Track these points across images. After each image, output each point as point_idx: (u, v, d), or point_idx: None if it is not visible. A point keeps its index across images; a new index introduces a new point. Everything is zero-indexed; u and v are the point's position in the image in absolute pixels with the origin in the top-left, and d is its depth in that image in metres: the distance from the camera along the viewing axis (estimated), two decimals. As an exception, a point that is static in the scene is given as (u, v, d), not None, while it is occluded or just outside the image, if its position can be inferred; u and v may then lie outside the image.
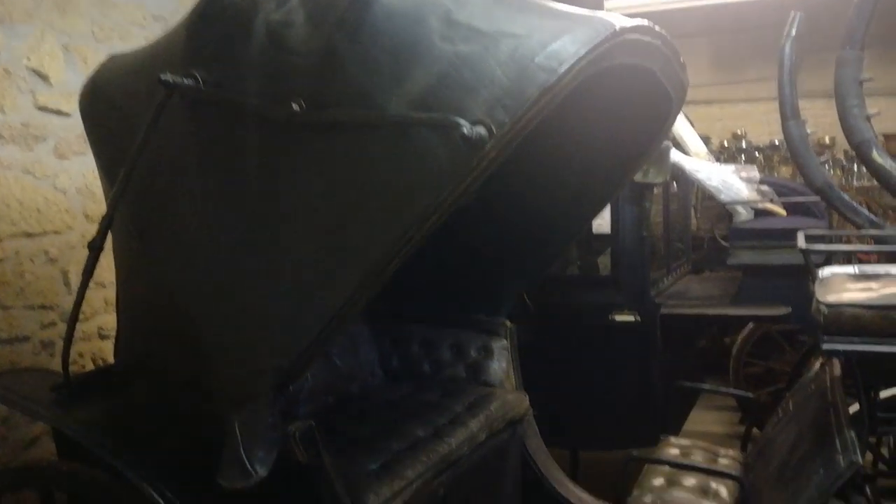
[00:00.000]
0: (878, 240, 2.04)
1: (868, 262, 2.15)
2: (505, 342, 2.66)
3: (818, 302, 1.47)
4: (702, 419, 3.86)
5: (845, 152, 6.34)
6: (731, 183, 3.12)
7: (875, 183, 6.19)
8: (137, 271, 1.93)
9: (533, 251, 2.78)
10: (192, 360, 1.69)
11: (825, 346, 1.43)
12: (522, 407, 2.52)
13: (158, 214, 1.77)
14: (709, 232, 4.25)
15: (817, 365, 2.08)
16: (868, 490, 1.69)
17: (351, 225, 1.48)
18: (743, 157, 6.69)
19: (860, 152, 1.56)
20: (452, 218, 2.70)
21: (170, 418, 1.79)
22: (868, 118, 1.57)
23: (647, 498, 1.83)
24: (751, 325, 4.11)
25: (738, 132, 7.06)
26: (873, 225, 2.05)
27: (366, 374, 2.61)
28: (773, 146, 6.77)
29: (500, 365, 2.60)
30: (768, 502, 1.60)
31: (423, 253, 2.71)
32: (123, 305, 2.05)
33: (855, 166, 6.36)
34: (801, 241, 1.62)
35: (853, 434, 1.44)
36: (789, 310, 2.74)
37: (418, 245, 1.44)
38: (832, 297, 1.50)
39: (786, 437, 1.93)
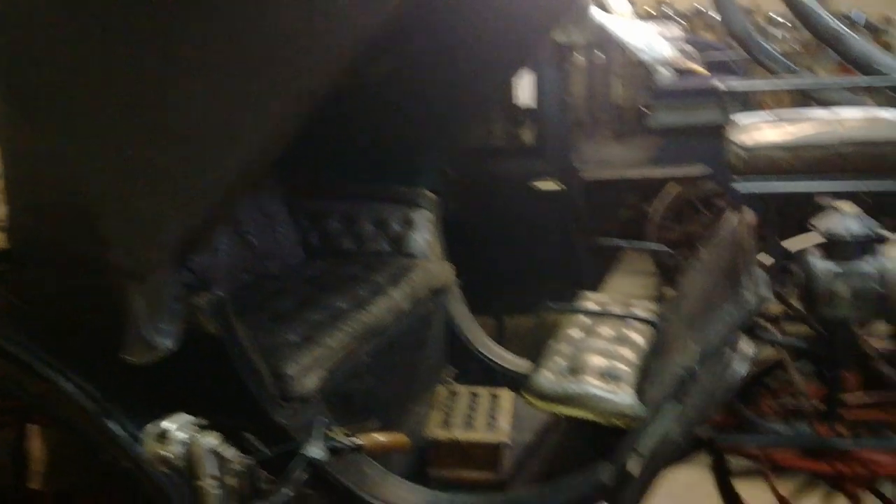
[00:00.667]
0: (794, 87, 2.04)
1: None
2: (428, 213, 2.62)
3: (732, 144, 1.45)
4: (622, 282, 3.98)
5: (769, 18, 6.34)
6: (654, 42, 3.06)
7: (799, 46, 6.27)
8: (24, 150, 1.75)
9: (451, 119, 2.70)
10: (90, 237, 1.57)
11: (739, 188, 1.42)
12: (446, 276, 2.51)
13: (38, 83, 1.59)
14: (632, 100, 4.22)
15: (731, 217, 2.11)
16: (776, 330, 1.74)
17: (253, 78, 1.35)
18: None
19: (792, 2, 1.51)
20: (369, 89, 2.58)
21: (71, 301, 1.68)
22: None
23: (564, 347, 1.87)
24: (669, 189, 4.18)
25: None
26: (789, 71, 2.04)
27: (284, 252, 2.53)
28: (697, 12, 6.69)
29: (423, 236, 2.56)
30: (679, 344, 1.65)
31: (340, 125, 2.62)
32: (13, 190, 1.88)
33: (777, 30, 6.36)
34: (718, 84, 1.59)
35: (762, 273, 1.45)
36: (709, 169, 2.77)
37: (325, 99, 1.32)
38: (747, 140, 1.48)
39: (698, 286, 1.97)
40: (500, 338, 3.20)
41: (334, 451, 1.48)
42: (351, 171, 2.69)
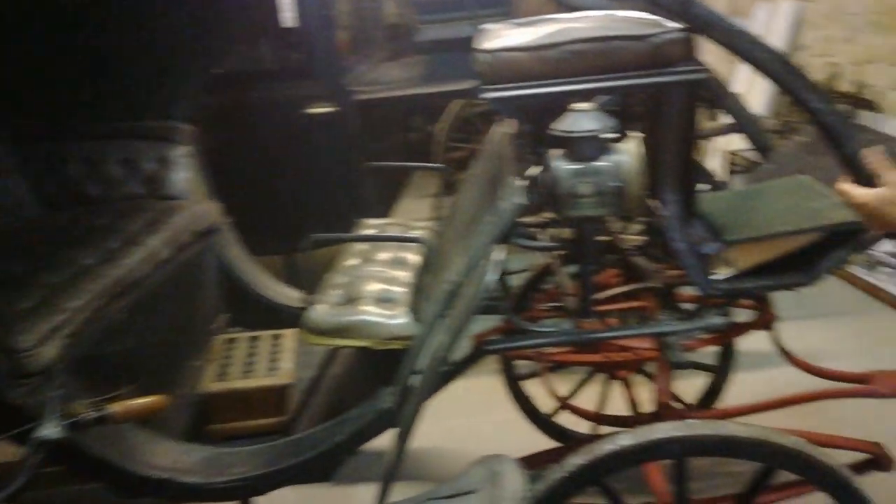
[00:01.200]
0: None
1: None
2: (185, 149, 2.38)
3: (476, 52, 1.40)
4: (412, 205, 3.96)
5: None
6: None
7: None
8: None
9: (204, 42, 2.44)
10: None
11: (485, 96, 1.38)
12: (213, 217, 2.32)
13: None
14: (402, 17, 4.12)
15: (496, 128, 2.11)
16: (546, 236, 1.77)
17: None
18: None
19: None
20: (101, 10, 2.23)
21: None
22: None
23: (340, 277, 1.79)
24: (452, 107, 4.19)
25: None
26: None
27: (14, 204, 2.18)
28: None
29: (182, 175, 2.33)
30: (448, 259, 1.63)
31: (72, 56, 2.26)
32: None
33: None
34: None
35: (518, 181, 1.45)
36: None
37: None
38: (489, 45, 1.43)
39: (468, 199, 1.96)
40: (293, 276, 3.08)
41: (76, 427, 1.30)
42: (93, 109, 2.37)
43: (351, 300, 1.71)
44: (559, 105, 1.47)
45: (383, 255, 1.92)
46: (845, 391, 1.54)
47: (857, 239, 1.47)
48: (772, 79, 1.38)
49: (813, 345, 2.98)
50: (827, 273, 1.51)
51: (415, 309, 1.62)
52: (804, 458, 1.30)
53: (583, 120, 1.30)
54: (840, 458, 1.35)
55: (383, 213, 3.38)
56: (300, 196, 2.89)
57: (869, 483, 1.46)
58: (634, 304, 1.93)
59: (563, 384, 2.45)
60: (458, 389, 1.79)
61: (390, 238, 1.93)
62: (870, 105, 3.84)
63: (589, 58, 1.37)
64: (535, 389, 2.28)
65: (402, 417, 1.48)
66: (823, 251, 1.54)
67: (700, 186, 2.49)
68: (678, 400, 2.35)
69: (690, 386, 2.42)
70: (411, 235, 1.89)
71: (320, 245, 1.64)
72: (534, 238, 1.88)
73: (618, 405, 2.21)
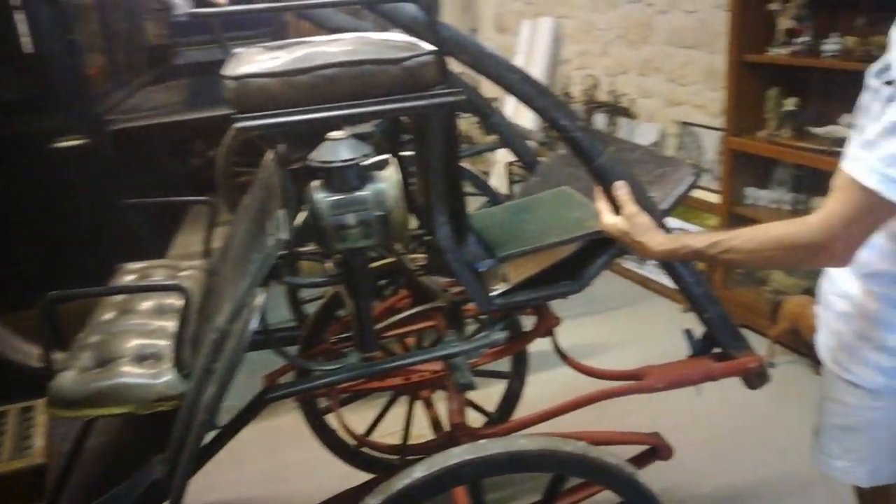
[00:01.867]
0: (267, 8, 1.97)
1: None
2: None
3: (224, 78, 1.28)
4: (189, 241, 3.69)
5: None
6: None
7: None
8: None
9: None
10: None
11: (237, 125, 1.26)
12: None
13: None
14: (162, 38, 3.84)
15: (268, 155, 1.99)
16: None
17: None
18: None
19: None
20: None
21: None
22: None
23: (93, 336, 1.58)
24: (231, 131, 3.96)
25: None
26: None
27: None
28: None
29: None
30: (219, 301, 1.49)
31: None
32: None
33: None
34: (192, 11, 1.40)
35: (283, 213, 1.35)
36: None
37: None
38: (238, 71, 1.32)
39: (240, 233, 1.84)
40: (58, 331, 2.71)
41: None
42: None
43: (105, 361, 1.50)
44: (320, 132, 1.40)
45: (145, 305, 1.72)
46: (623, 389, 1.62)
47: (618, 244, 1.55)
48: (521, 99, 1.41)
49: (594, 339, 3.20)
50: (594, 278, 1.59)
51: (182, 363, 1.45)
52: (589, 462, 1.34)
53: (340, 149, 1.24)
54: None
55: (160, 251, 3.10)
56: (51, 240, 2.56)
57: (652, 472, 1.56)
58: (425, 324, 1.92)
59: (370, 408, 2.39)
60: (262, 430, 1.66)
61: (142, 288, 1.74)
62: (626, 112, 4.21)
63: (341, 83, 1.31)
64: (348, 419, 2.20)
65: (174, 488, 1.31)
66: (590, 257, 1.61)
67: (481, 199, 2.57)
68: (480, 410, 2.39)
69: (493, 394, 2.47)
70: (168, 283, 1.71)
71: (58, 302, 1.42)
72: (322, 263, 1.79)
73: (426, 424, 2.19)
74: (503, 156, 4.39)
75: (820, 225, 1.12)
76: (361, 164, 1.22)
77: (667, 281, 3.36)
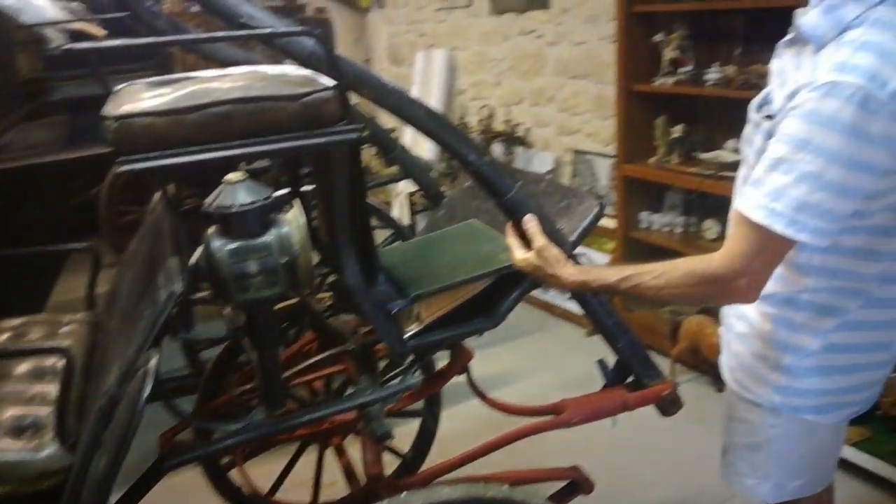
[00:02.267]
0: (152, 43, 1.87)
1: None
2: None
3: (104, 118, 1.17)
4: (75, 288, 3.43)
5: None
6: (31, 1, 2.55)
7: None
8: None
9: None
10: None
11: (122, 169, 1.16)
12: None
13: None
14: (37, 72, 3.58)
15: (158, 196, 1.86)
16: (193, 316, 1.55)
17: None
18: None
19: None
20: None
21: None
22: None
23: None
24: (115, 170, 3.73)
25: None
26: (177, 30, 1.86)
27: None
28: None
29: None
30: (110, 358, 1.36)
31: None
32: None
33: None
34: (70, 46, 1.28)
35: (177, 261, 1.24)
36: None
37: None
38: (121, 110, 1.22)
39: (129, 279, 1.70)
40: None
41: None
42: None
43: (-26, 437, 1.33)
44: (214, 172, 1.31)
45: (21, 368, 1.54)
46: (541, 425, 1.59)
47: (530, 277, 1.53)
48: (426, 134, 1.37)
49: (504, 368, 3.19)
50: (510, 312, 1.56)
51: (66, 433, 1.30)
52: (511, 505, 1.30)
53: (238, 192, 1.15)
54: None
55: (37, 302, 2.85)
56: None
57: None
58: (334, 369, 1.83)
59: (277, 459, 2.25)
60: (157, 490, 1.50)
61: (17, 353, 1.57)
62: (522, 141, 4.29)
63: (235, 121, 1.23)
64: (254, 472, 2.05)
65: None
66: (503, 291, 1.59)
67: (385, 233, 2.52)
68: (394, 452, 2.31)
69: (406, 432, 2.39)
70: (47, 346, 1.54)
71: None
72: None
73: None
74: (404, 186, 4.36)
75: (722, 262, 1.14)
76: (261, 207, 1.14)
77: (571, 306, 3.42)
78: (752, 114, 1.23)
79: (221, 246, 1.13)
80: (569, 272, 1.35)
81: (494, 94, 4.58)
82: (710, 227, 3.05)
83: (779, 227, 1.08)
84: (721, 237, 3.03)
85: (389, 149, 2.08)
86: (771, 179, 1.08)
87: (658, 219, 3.27)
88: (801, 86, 1.07)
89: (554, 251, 1.36)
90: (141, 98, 1.33)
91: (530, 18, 4.12)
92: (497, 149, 4.36)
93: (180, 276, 1.19)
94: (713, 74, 2.87)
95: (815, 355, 1.27)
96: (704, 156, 3.00)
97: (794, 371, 1.29)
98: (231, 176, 1.16)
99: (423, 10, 5.12)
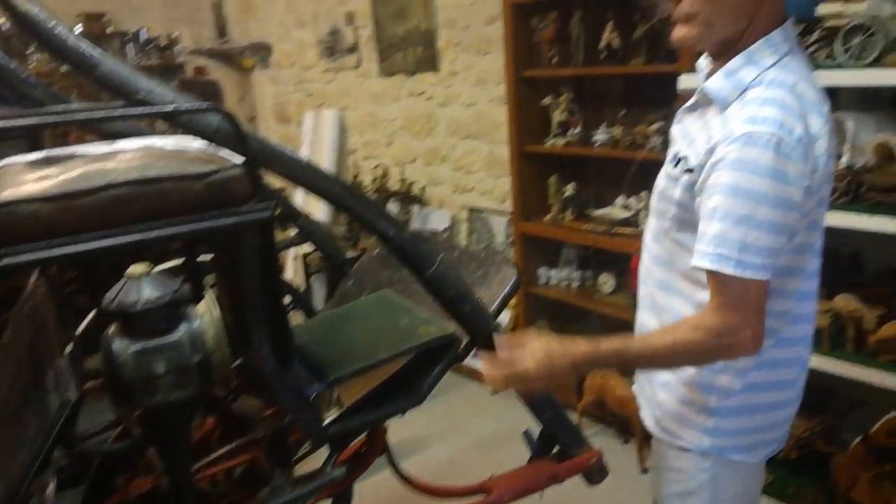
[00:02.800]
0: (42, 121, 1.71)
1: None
2: None
3: (-19, 204, 1.04)
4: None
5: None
6: None
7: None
8: None
9: None
10: None
11: (5, 262, 1.03)
12: None
13: None
14: None
15: (32, 279, 1.68)
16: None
17: None
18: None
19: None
20: None
21: None
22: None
23: None
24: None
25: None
26: (56, 99, 1.72)
27: None
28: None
29: None
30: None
31: None
32: None
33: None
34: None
35: (67, 361, 1.11)
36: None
37: None
38: (3, 196, 1.09)
39: (8, 373, 1.51)
40: None
41: None
42: None
43: None
44: (109, 260, 1.19)
45: None
46: (472, 507, 1.53)
47: (452, 351, 1.49)
48: (343, 210, 1.32)
49: (414, 433, 3.11)
50: (433, 388, 1.51)
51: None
52: None
53: (143, 287, 1.04)
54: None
55: None
56: None
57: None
58: (242, 459, 1.69)
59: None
60: None
61: None
62: (417, 200, 4.29)
63: (134, 204, 1.13)
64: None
65: None
66: (425, 366, 1.53)
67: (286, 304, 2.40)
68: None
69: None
70: None
71: None
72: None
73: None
74: (296, 248, 4.25)
75: (714, 318, 1.17)
76: (169, 302, 1.04)
77: (476, 364, 3.41)
78: (670, 169, 1.30)
79: (125, 347, 1.02)
80: (572, 367, 1.24)
81: (387, 153, 4.59)
82: (605, 282, 3.14)
83: (728, 269, 1.14)
84: (616, 290, 3.13)
85: (293, 218, 2.00)
86: (712, 228, 1.16)
87: (556, 274, 3.34)
88: (718, 141, 1.16)
89: (527, 356, 1.22)
90: (23, 181, 1.20)
91: (420, 80, 4.18)
92: (393, 207, 4.35)
93: (73, 381, 1.06)
94: (601, 136, 2.99)
95: (737, 395, 1.31)
96: (597, 212, 3.11)
97: (719, 412, 1.32)
98: (134, 269, 1.05)
99: (310, 70, 5.09)
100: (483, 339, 1.43)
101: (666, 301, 1.35)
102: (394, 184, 4.45)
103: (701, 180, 1.19)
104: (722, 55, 1.23)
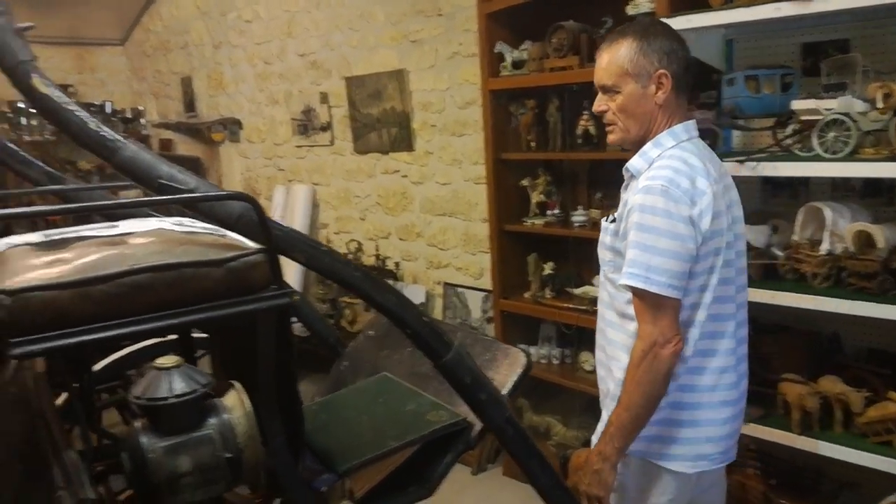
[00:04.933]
0: (63, 197, 1.69)
1: (58, 225, 1.79)
2: None
3: (-6, 291, 1.00)
4: None
5: (10, 103, 5.77)
6: None
7: (53, 136, 5.86)
8: None
9: None
10: None
11: (18, 352, 0.98)
12: None
13: None
14: None
15: (12, 364, 1.61)
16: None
17: None
18: None
19: (17, 78, 1.13)
20: None
21: None
22: (23, 31, 1.14)
23: None
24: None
25: None
26: (53, 180, 1.68)
27: None
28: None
29: None
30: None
31: None
32: None
33: (24, 119, 5.88)
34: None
35: (76, 457, 1.05)
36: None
37: None
38: (14, 281, 1.05)
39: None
40: None
41: None
42: None
43: None
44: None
45: None
46: None
47: (464, 438, 1.46)
48: (361, 296, 1.31)
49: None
50: (444, 478, 1.47)
51: None
52: None
53: (172, 380, 1.00)
54: None
55: None
56: None
57: None
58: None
59: None
60: None
61: None
62: (392, 274, 4.28)
63: (152, 291, 1.10)
64: None
65: None
66: (434, 454, 1.49)
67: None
68: None
69: None
70: None
71: None
72: None
73: None
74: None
75: (639, 338, 1.53)
76: (197, 396, 1.00)
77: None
78: (605, 224, 1.72)
79: (153, 444, 0.97)
80: (607, 461, 1.57)
81: (361, 228, 4.60)
82: (586, 360, 3.15)
83: (640, 284, 1.51)
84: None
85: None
86: (629, 255, 1.54)
87: (535, 351, 3.33)
88: (632, 196, 1.58)
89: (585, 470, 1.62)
90: (33, 265, 1.16)
91: (395, 159, 4.24)
92: (365, 283, 4.32)
93: (87, 480, 1.00)
94: (579, 217, 3.06)
95: (662, 409, 1.59)
96: (576, 291, 3.15)
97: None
98: (163, 360, 1.02)
99: (282, 145, 5.12)
100: (498, 426, 1.41)
101: (609, 334, 1.70)
102: (368, 258, 4.44)
103: (622, 226, 1.59)
104: (641, 146, 1.65)
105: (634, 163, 1.64)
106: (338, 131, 4.61)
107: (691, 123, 1.67)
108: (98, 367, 1.73)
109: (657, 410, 1.56)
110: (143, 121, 6.80)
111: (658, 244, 1.49)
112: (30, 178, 1.67)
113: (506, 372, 1.58)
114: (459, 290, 3.96)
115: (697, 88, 2.32)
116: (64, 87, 6.61)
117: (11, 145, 1.61)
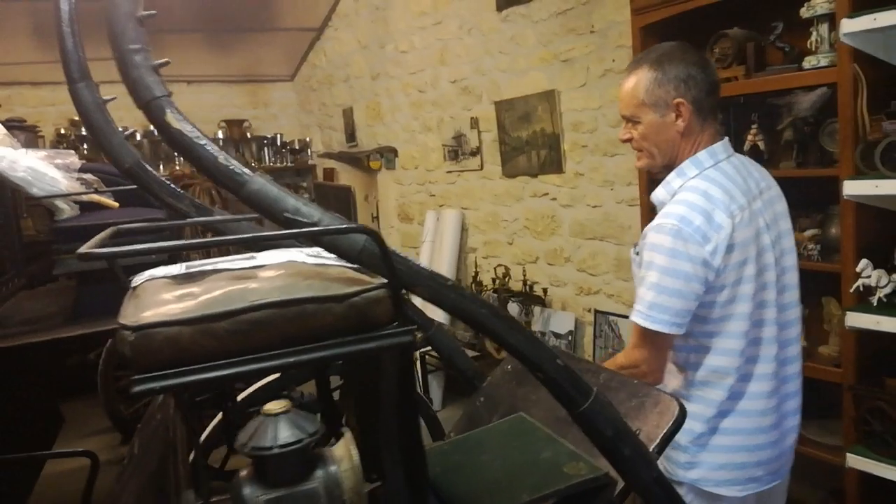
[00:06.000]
0: (212, 229, 1.74)
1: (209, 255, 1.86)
2: None
3: (121, 327, 1.00)
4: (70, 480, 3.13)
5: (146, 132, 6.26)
6: (44, 172, 2.47)
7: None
8: None
9: None
10: None
11: (137, 389, 0.97)
12: None
13: None
14: (43, 236, 3.49)
15: (164, 401, 1.67)
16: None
17: None
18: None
19: (151, 114, 1.15)
20: None
21: None
22: (157, 68, 1.16)
23: None
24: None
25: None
26: (201, 212, 1.75)
27: None
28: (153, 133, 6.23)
29: None
30: None
31: None
32: None
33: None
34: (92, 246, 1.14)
35: (194, 497, 1.03)
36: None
37: None
38: (140, 317, 1.05)
39: (132, 490, 1.46)
40: None
41: None
42: None
43: None
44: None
45: None
46: None
47: (604, 496, 1.30)
48: (490, 336, 1.21)
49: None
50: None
51: None
52: None
53: (280, 427, 0.96)
54: None
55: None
56: None
57: None
58: None
59: None
60: None
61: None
62: (540, 300, 4.15)
63: (273, 327, 1.06)
64: None
65: None
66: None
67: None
68: None
69: None
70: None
71: None
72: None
73: None
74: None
75: (625, 356, 1.70)
76: (304, 443, 0.94)
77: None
78: (632, 253, 1.77)
79: (255, 495, 0.92)
80: None
81: (508, 252, 4.51)
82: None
83: (639, 320, 1.63)
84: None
85: (424, 328, 1.90)
86: (637, 292, 1.66)
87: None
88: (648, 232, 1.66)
89: None
90: (164, 300, 1.17)
91: (543, 181, 4.12)
92: (514, 308, 4.22)
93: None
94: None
95: (707, 436, 1.66)
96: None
97: (690, 450, 1.69)
98: (271, 406, 0.97)
99: (433, 171, 5.17)
100: (645, 485, 1.24)
101: None
102: (515, 284, 4.34)
103: (640, 259, 1.68)
104: (670, 171, 1.68)
105: (658, 194, 1.69)
106: (487, 155, 4.57)
107: (719, 146, 1.66)
108: (241, 396, 1.76)
109: (700, 436, 1.65)
110: (309, 151, 7.20)
111: (662, 282, 1.56)
112: (180, 210, 1.73)
113: (655, 422, 1.40)
114: (611, 318, 3.75)
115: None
116: (239, 122, 7.18)
117: (156, 173, 1.68)
